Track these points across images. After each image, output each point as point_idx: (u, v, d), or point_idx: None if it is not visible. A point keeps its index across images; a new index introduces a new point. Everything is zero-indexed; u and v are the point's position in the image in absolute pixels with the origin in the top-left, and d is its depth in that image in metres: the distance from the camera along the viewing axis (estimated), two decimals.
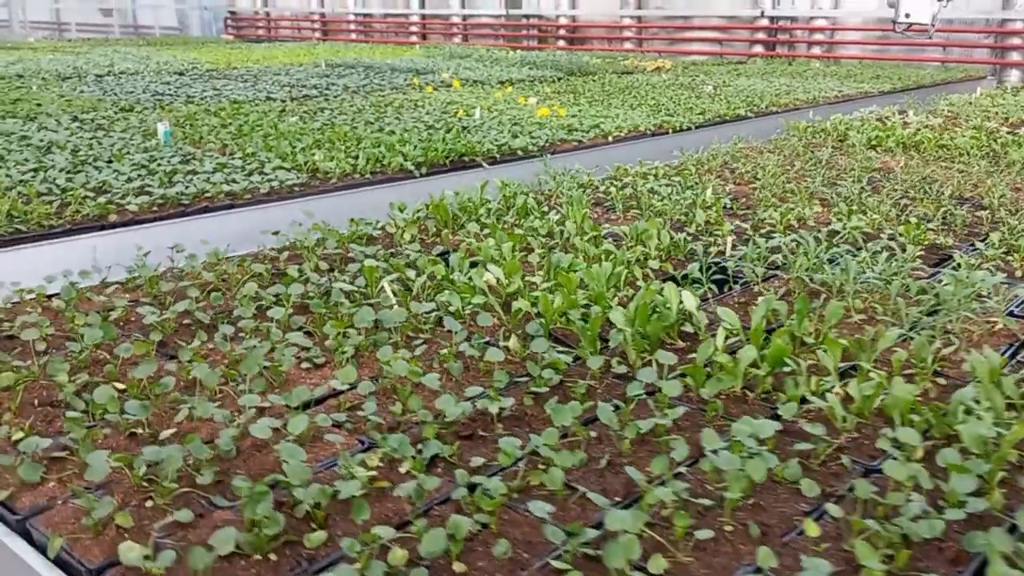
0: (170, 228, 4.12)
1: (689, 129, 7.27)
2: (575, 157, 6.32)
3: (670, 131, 7.10)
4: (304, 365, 2.42)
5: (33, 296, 2.90)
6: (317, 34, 22.96)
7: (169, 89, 9.25)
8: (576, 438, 1.98)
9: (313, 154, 5.24)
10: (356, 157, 5.41)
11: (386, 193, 5.11)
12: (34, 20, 24.69)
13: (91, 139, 5.90)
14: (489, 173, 5.68)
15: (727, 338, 2.37)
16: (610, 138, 6.61)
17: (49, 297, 2.96)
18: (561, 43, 18.14)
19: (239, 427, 1.97)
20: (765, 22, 15.31)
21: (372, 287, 2.87)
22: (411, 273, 3.01)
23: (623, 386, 2.22)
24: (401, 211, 3.90)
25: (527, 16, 18.71)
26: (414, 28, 20.89)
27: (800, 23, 15.03)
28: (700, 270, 3.08)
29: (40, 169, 4.82)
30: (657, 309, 2.45)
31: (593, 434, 2.02)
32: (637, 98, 8.96)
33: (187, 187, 4.40)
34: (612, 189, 4.59)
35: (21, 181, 4.47)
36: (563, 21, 18.17)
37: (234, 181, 4.62)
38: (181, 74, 11.38)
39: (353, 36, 22.04)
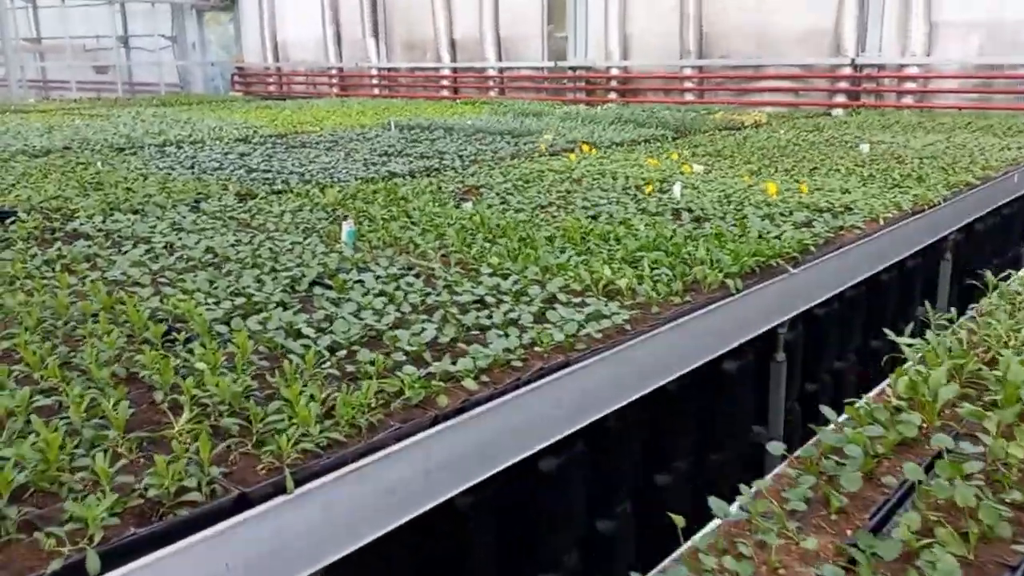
0: (515, 413, 2.69)
1: (938, 204, 6.01)
2: (867, 250, 5.01)
3: (926, 207, 5.84)
4: None
5: None
6: (335, 90, 21.66)
7: (261, 164, 7.80)
8: None
9: (597, 271, 3.85)
10: (632, 264, 4.05)
11: (716, 322, 3.74)
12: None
13: (253, 244, 4.46)
14: (800, 281, 4.35)
15: None
16: (881, 220, 5.32)
17: None
18: (612, 95, 17.01)
19: None
20: (848, 71, 14.28)
21: None
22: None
23: None
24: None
25: (573, 68, 17.57)
26: (445, 82, 19.68)
27: (889, 71, 14.01)
28: None
29: (253, 308, 3.36)
30: None
31: None
32: (808, 161, 7.71)
33: (506, 335, 2.98)
34: None
35: (254, 333, 3.01)
36: (615, 72, 17.05)
37: (547, 321, 3.21)
38: (246, 141, 9.96)
39: (376, 92, 20.75)
